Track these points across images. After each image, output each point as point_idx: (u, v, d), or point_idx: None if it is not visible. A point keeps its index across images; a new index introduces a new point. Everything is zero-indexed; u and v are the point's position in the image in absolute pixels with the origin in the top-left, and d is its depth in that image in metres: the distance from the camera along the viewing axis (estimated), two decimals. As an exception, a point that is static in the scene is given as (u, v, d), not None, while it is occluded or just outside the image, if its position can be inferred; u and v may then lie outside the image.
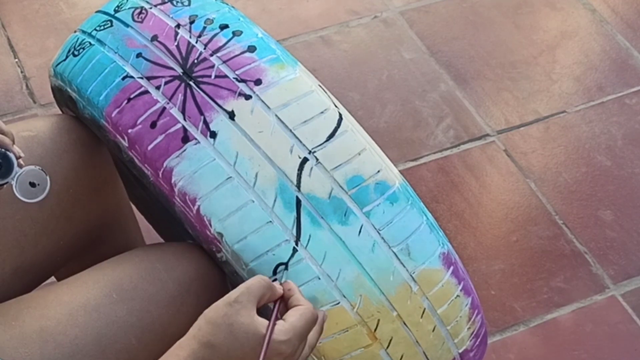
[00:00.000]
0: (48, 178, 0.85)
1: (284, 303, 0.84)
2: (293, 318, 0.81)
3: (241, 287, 0.80)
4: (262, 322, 0.79)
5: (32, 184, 0.85)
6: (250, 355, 0.78)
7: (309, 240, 0.88)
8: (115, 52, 0.96)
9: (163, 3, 0.98)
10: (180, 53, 0.94)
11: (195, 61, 0.93)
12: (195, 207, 0.89)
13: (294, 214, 0.88)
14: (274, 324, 0.79)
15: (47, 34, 1.95)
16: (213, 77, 0.92)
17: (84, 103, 0.98)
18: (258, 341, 0.78)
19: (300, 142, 0.90)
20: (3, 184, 0.84)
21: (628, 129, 1.84)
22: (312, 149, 0.90)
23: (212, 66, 0.92)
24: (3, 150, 0.83)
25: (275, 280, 0.87)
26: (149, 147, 0.91)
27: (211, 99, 0.91)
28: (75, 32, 1.03)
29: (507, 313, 1.55)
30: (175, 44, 0.94)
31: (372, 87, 1.89)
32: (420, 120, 1.83)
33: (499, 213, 1.69)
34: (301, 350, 0.81)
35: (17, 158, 0.85)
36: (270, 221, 0.88)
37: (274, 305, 0.83)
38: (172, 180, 0.90)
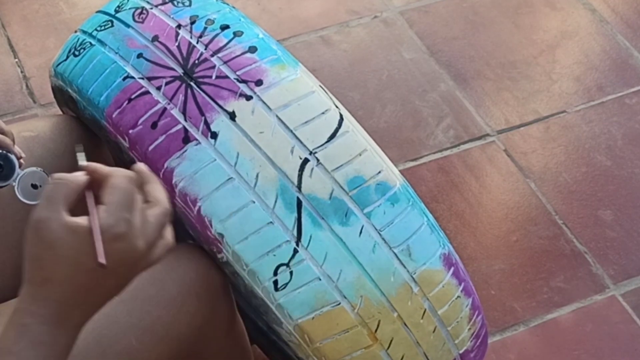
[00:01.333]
0: (50, 179, 0.85)
1: (96, 185, 0.71)
2: (108, 196, 0.68)
3: (40, 203, 0.68)
4: (77, 222, 0.66)
5: (34, 186, 0.85)
6: (89, 258, 0.66)
7: (309, 241, 0.88)
8: (116, 53, 0.96)
9: (164, 3, 0.98)
10: (181, 53, 0.94)
11: (196, 62, 0.93)
12: (196, 208, 0.89)
13: (295, 214, 0.88)
14: (94, 215, 0.66)
15: (47, 34, 1.95)
16: (214, 77, 0.92)
17: (85, 103, 0.97)
18: (85, 240, 0.66)
19: (301, 142, 0.90)
20: (4, 186, 0.84)
21: (628, 129, 1.84)
22: (313, 149, 0.90)
23: (213, 67, 0.92)
24: (4, 152, 0.83)
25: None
26: (150, 148, 0.91)
27: (212, 99, 0.91)
28: (75, 32, 1.03)
29: (507, 313, 1.55)
30: (176, 44, 0.94)
31: (372, 87, 1.89)
32: (420, 120, 1.83)
33: (499, 213, 1.69)
34: (141, 215, 0.69)
35: (18, 159, 0.84)
36: (271, 222, 0.88)
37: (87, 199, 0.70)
38: (173, 181, 0.90)
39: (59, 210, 0.67)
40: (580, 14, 2.07)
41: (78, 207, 0.71)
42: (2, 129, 0.85)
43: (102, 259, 0.66)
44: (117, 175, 0.70)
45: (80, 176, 0.70)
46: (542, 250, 1.64)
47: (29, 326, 0.68)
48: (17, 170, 0.84)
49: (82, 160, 0.74)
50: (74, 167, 1.02)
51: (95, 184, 0.71)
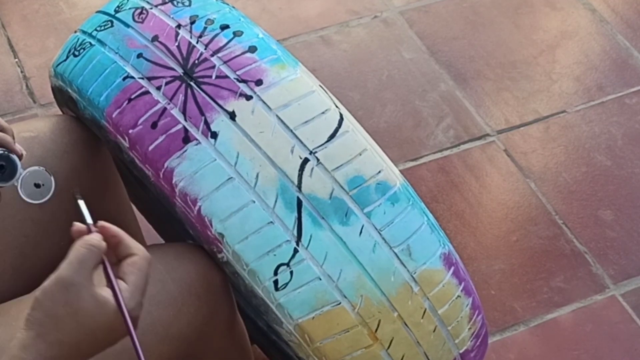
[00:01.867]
0: (52, 178, 0.85)
1: (113, 252, 0.73)
2: (133, 276, 0.72)
3: (71, 263, 0.69)
4: (105, 297, 0.69)
5: (37, 185, 0.84)
6: (108, 335, 0.70)
7: (310, 240, 0.88)
8: (116, 53, 0.96)
9: (164, 3, 0.98)
10: (181, 53, 0.94)
11: (196, 61, 0.93)
12: (196, 208, 0.89)
13: (295, 214, 0.88)
14: (119, 291, 0.69)
15: (47, 34, 1.95)
16: (214, 77, 0.92)
17: (85, 103, 0.97)
18: (108, 318, 0.69)
19: (301, 142, 0.90)
20: (6, 186, 0.84)
21: (628, 128, 1.84)
22: (313, 149, 0.90)
23: (213, 66, 0.92)
24: (6, 151, 0.83)
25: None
26: (150, 148, 0.91)
27: (212, 99, 0.91)
28: (75, 32, 1.03)
29: (507, 313, 1.55)
30: (176, 44, 0.94)
31: (372, 87, 1.89)
32: (420, 120, 1.83)
33: (499, 213, 1.69)
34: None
35: (20, 158, 0.84)
36: (271, 222, 0.88)
37: (104, 266, 0.72)
38: (173, 181, 0.90)
39: (89, 279, 0.69)
40: (580, 14, 2.07)
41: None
42: (3, 126, 0.85)
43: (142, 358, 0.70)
44: (143, 254, 0.73)
45: (102, 242, 0.72)
46: (542, 250, 1.64)
47: None
48: (20, 169, 0.83)
49: (84, 210, 0.76)
50: (74, 167, 1.03)
51: (112, 248, 0.73)
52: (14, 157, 0.83)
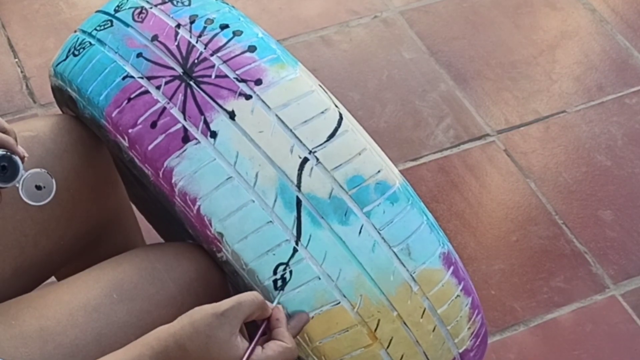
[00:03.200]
0: (54, 181, 0.85)
1: (268, 329, 0.84)
2: (272, 352, 0.81)
3: (233, 301, 0.80)
4: (239, 345, 0.79)
5: (38, 187, 0.84)
6: None
7: (309, 240, 0.88)
8: (116, 52, 0.96)
9: (163, 3, 0.98)
10: (181, 53, 0.94)
11: (196, 61, 0.93)
12: (196, 207, 0.89)
13: (295, 213, 0.88)
14: (254, 347, 0.80)
15: (47, 34, 1.95)
16: (213, 77, 0.92)
17: (84, 103, 0.98)
18: (230, 358, 0.78)
19: (301, 142, 0.90)
20: (8, 187, 0.84)
21: (628, 129, 1.84)
22: (313, 148, 0.90)
23: (213, 66, 0.92)
24: (8, 153, 0.83)
25: (272, 293, 0.88)
26: (149, 147, 0.91)
27: (211, 98, 0.91)
28: (75, 32, 1.03)
29: (507, 313, 1.55)
30: (176, 43, 0.94)
31: (372, 87, 1.89)
32: (420, 120, 1.83)
33: (499, 213, 1.69)
34: None
35: (22, 160, 0.84)
36: (271, 221, 0.88)
37: (259, 328, 0.83)
38: (173, 180, 0.90)
39: (238, 320, 0.80)
40: (580, 14, 2.07)
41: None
42: (5, 127, 0.85)
43: None
44: (292, 348, 0.82)
45: (270, 310, 0.84)
46: (542, 250, 1.64)
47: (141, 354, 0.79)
48: (21, 171, 0.83)
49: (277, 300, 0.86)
50: (74, 167, 1.03)
51: (270, 324, 0.84)
52: (16, 158, 0.83)
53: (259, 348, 0.80)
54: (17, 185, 0.83)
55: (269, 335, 0.83)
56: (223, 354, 0.78)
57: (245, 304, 0.80)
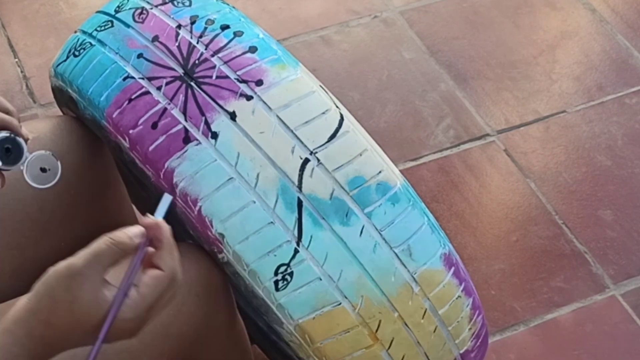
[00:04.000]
0: (59, 163, 0.83)
1: (147, 256, 0.72)
2: (147, 289, 0.70)
3: (88, 254, 0.69)
4: (106, 297, 0.69)
5: (43, 169, 0.82)
6: (91, 333, 0.69)
7: (310, 241, 0.88)
8: (116, 53, 0.96)
9: (164, 3, 0.98)
10: (182, 54, 0.94)
11: (197, 62, 0.93)
12: (197, 208, 0.89)
13: (296, 214, 0.88)
14: (119, 304, 0.69)
15: (47, 34, 1.95)
16: (214, 77, 0.92)
17: (85, 104, 0.97)
18: (100, 320, 0.69)
19: (302, 142, 0.90)
20: (12, 169, 0.82)
21: (628, 128, 1.84)
22: (314, 149, 0.90)
23: (213, 67, 0.92)
24: (12, 135, 0.81)
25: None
26: (150, 148, 0.91)
27: (212, 99, 0.91)
28: (75, 32, 1.03)
29: (507, 313, 1.55)
30: (177, 44, 0.94)
31: (372, 87, 1.89)
32: (420, 120, 1.83)
33: (499, 213, 1.69)
34: (151, 319, 0.72)
35: (26, 142, 0.82)
36: (272, 222, 0.88)
37: (129, 267, 0.71)
38: (174, 181, 0.90)
39: (99, 273, 0.69)
40: (580, 14, 2.07)
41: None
42: (8, 109, 0.83)
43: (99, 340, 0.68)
44: (170, 273, 0.71)
45: (130, 243, 0.71)
46: (542, 250, 1.64)
47: (4, 345, 0.69)
48: (26, 153, 0.82)
49: (163, 205, 0.74)
50: (74, 168, 1.03)
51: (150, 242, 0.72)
52: (20, 140, 0.81)
53: (131, 291, 0.69)
54: (22, 167, 0.81)
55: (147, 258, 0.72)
56: (93, 313, 0.68)
57: (103, 255, 0.69)
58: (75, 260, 0.69)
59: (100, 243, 0.70)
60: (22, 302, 0.70)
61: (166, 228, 0.72)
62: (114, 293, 0.69)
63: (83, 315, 0.68)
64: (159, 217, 0.73)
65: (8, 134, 0.81)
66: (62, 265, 0.69)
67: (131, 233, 0.71)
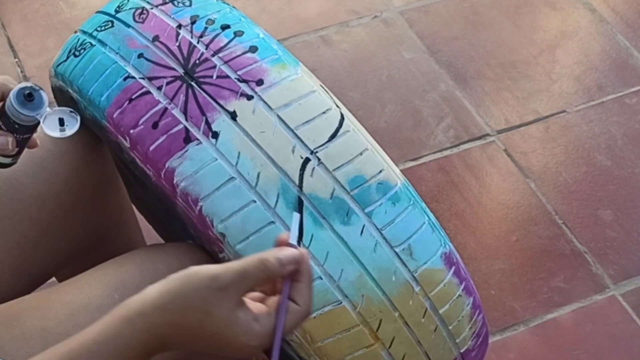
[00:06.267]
0: (78, 119, 0.85)
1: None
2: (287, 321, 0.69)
3: (236, 274, 0.68)
4: (239, 318, 0.68)
5: (62, 123, 0.84)
6: (222, 350, 0.69)
7: (311, 240, 0.88)
8: (117, 53, 0.96)
9: (164, 3, 0.98)
10: (182, 53, 0.94)
11: (197, 62, 0.93)
12: (198, 208, 0.89)
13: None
14: (281, 329, 0.68)
15: (47, 34, 1.95)
16: (215, 77, 0.92)
17: (85, 104, 0.97)
18: (225, 340, 0.68)
19: (302, 142, 0.90)
20: (33, 116, 0.84)
21: (628, 128, 1.84)
22: (314, 149, 0.90)
23: (214, 66, 0.92)
24: (37, 86, 0.83)
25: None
26: (151, 148, 0.91)
27: (213, 99, 0.91)
28: (75, 32, 1.03)
29: (507, 313, 1.55)
30: (177, 44, 0.94)
31: (372, 87, 1.89)
32: (420, 120, 1.83)
33: (499, 213, 1.69)
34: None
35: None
36: (273, 221, 0.88)
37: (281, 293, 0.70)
38: (174, 181, 0.90)
39: (239, 293, 0.68)
40: (580, 14, 2.07)
41: None
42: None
43: None
44: (305, 310, 0.70)
45: (282, 272, 0.69)
46: (542, 250, 1.64)
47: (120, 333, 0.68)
48: (46, 104, 0.84)
49: (295, 225, 0.73)
50: (74, 168, 1.03)
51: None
52: (43, 93, 0.83)
53: (266, 319, 0.69)
54: (40, 117, 0.83)
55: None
56: (221, 332, 0.68)
57: (250, 277, 0.68)
58: (222, 274, 0.67)
59: (250, 264, 0.68)
60: (150, 296, 0.68)
61: (308, 261, 0.71)
62: (249, 316, 0.68)
63: (211, 329, 0.67)
64: (293, 240, 0.72)
65: (32, 84, 0.83)
66: (206, 273, 0.68)
67: (285, 259, 0.69)
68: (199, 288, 0.67)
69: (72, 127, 0.84)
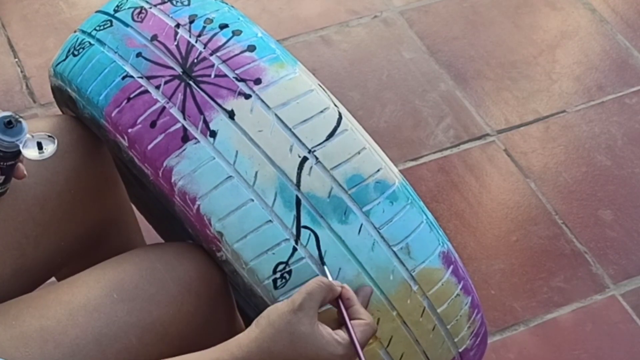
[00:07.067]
0: (56, 143, 0.88)
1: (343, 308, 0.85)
2: (360, 334, 0.83)
3: (304, 293, 0.81)
4: (323, 333, 0.81)
5: (40, 147, 0.88)
6: None
7: (308, 239, 0.88)
8: (115, 52, 0.96)
9: (163, 3, 0.98)
10: (180, 52, 0.94)
11: (195, 60, 0.93)
12: (195, 206, 0.89)
13: (294, 213, 0.88)
14: (353, 331, 0.81)
15: (47, 34, 1.95)
16: (213, 76, 0.92)
17: (84, 103, 0.98)
18: (315, 352, 0.80)
19: (300, 141, 0.90)
20: (12, 142, 0.86)
21: (628, 128, 1.84)
22: (312, 148, 0.90)
23: (212, 65, 0.92)
24: (17, 115, 0.86)
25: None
26: (149, 147, 0.91)
27: (211, 98, 0.91)
28: (75, 32, 1.03)
29: (507, 313, 1.55)
30: (175, 43, 0.94)
31: (372, 87, 1.89)
32: (420, 120, 1.83)
33: (499, 213, 1.69)
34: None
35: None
36: (270, 220, 0.88)
37: (338, 311, 0.84)
38: (172, 180, 0.90)
39: (313, 309, 0.82)
40: (580, 14, 2.07)
41: None
42: None
43: None
44: (372, 323, 0.84)
45: (337, 287, 0.84)
46: (542, 250, 1.64)
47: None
48: (25, 130, 0.87)
49: (328, 274, 0.87)
50: (74, 167, 1.03)
51: (343, 303, 0.85)
52: (23, 121, 0.86)
53: (342, 334, 0.82)
54: (19, 143, 0.86)
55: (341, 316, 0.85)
56: (310, 347, 0.80)
57: (315, 291, 0.81)
58: (295, 298, 0.81)
59: (311, 284, 0.82)
60: (243, 333, 0.82)
61: (349, 289, 0.85)
62: (328, 329, 0.82)
63: (300, 345, 0.80)
64: (330, 277, 0.87)
65: (12, 113, 0.86)
66: (282, 303, 0.82)
67: (335, 282, 0.84)
68: (282, 314, 0.81)
69: (50, 150, 0.88)
